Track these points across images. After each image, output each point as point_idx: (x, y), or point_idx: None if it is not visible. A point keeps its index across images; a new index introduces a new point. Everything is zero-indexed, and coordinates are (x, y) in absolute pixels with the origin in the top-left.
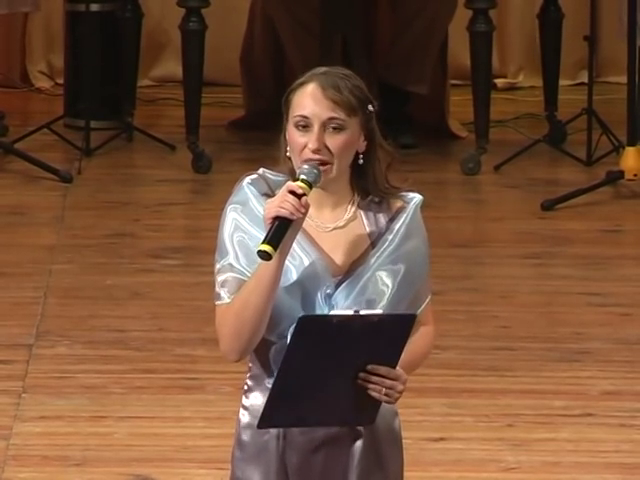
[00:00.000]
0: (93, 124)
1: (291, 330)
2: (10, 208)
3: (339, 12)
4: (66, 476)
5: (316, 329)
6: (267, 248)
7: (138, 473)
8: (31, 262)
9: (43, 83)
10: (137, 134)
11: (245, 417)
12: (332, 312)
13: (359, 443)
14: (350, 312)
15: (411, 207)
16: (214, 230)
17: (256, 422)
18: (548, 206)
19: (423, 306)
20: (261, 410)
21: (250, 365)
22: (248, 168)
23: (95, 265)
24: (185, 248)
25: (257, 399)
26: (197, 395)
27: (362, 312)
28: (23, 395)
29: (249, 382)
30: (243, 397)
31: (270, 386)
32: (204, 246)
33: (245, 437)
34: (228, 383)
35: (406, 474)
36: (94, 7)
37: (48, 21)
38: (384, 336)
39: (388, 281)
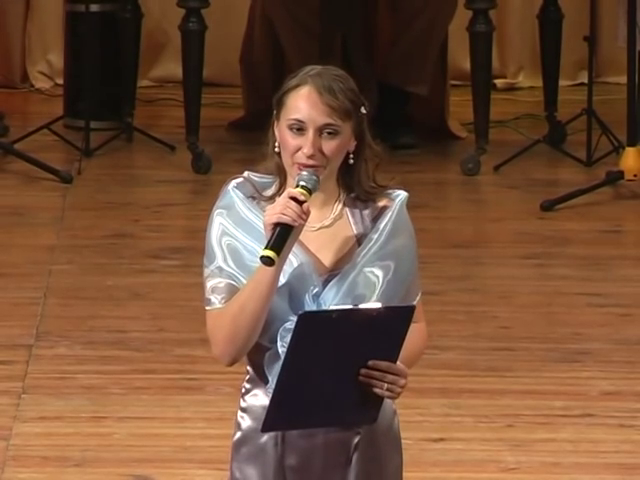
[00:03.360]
0: (93, 124)
1: (281, 332)
2: (10, 208)
3: (339, 12)
4: (66, 477)
5: (316, 325)
6: (270, 254)
7: (138, 474)
8: (31, 262)
9: (43, 83)
10: (137, 134)
11: (244, 419)
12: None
13: (358, 443)
14: (349, 306)
15: (396, 204)
16: None
17: (255, 424)
18: (548, 206)
19: (414, 303)
20: (261, 412)
21: (248, 368)
22: (248, 168)
23: (95, 266)
24: (185, 249)
25: (255, 401)
26: (197, 396)
27: (361, 306)
28: (23, 396)
29: (247, 385)
30: (241, 400)
31: (269, 391)
32: (204, 247)
33: (244, 439)
34: (228, 384)
35: (406, 474)
36: (94, 7)
37: (48, 21)
38: (383, 330)
39: (375, 280)
